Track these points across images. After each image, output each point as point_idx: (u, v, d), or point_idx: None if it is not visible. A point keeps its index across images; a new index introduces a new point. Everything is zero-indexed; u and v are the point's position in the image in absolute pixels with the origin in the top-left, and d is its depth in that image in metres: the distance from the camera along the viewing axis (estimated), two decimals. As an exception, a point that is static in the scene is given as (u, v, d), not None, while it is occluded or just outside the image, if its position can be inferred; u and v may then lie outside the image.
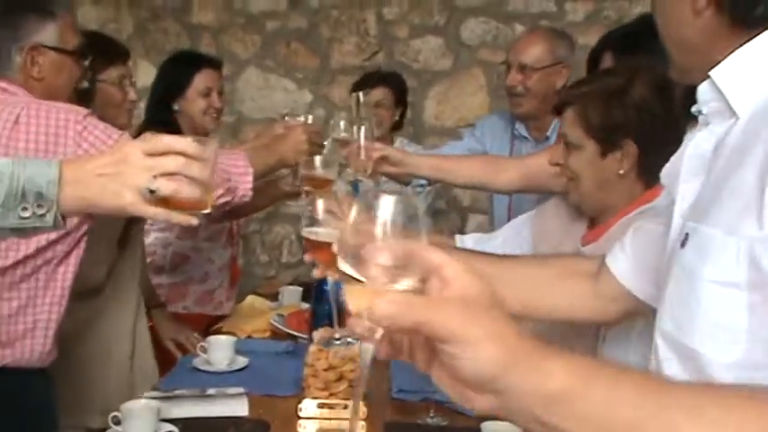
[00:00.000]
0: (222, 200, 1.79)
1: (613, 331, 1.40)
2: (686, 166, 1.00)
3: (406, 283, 0.62)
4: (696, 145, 0.98)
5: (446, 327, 0.58)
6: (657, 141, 1.48)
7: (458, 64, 4.12)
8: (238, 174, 1.84)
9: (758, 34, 0.88)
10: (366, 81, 3.42)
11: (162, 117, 2.58)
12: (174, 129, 2.58)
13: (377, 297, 0.59)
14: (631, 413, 0.57)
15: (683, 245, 0.91)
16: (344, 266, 0.64)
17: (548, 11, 4.04)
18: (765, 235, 0.81)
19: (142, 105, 3.86)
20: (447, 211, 4.18)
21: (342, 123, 3.05)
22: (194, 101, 2.62)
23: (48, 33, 1.78)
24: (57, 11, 1.80)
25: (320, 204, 1.37)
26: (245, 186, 1.86)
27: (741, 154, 0.86)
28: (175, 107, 2.62)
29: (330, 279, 1.56)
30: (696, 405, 0.58)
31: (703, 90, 0.94)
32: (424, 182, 3.31)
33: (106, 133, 1.69)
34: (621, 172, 1.56)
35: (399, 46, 4.12)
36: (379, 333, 0.63)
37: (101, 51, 2.12)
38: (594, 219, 1.71)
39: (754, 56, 0.89)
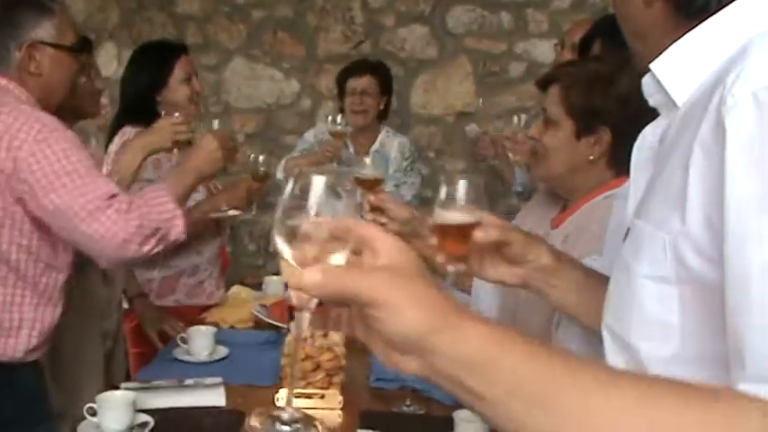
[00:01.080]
0: (155, 249, 1.79)
1: (566, 319, 1.40)
2: (635, 159, 1.01)
3: (340, 257, 0.66)
4: (643, 137, 0.99)
5: (371, 293, 0.61)
6: (634, 134, 1.50)
7: (444, 52, 4.12)
8: (168, 219, 1.79)
9: (697, 25, 0.89)
10: (352, 69, 3.44)
11: (145, 109, 2.58)
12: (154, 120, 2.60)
13: (306, 268, 0.63)
14: (542, 385, 0.60)
15: (624, 239, 0.93)
16: (280, 244, 0.69)
17: (534, -2, 4.04)
18: (687, 230, 0.81)
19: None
20: (433, 200, 4.20)
21: (338, 117, 3.15)
22: (177, 89, 2.62)
23: (45, 30, 1.80)
24: (53, 7, 1.84)
25: (462, 186, 1.25)
26: (176, 231, 1.82)
27: (672, 147, 0.87)
28: (158, 98, 2.62)
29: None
30: (611, 383, 0.60)
31: (646, 82, 0.95)
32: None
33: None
34: (592, 157, 1.57)
35: (385, 34, 4.13)
36: (313, 303, 0.68)
37: None
38: (566, 203, 1.73)
39: (691, 47, 0.89)
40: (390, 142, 3.47)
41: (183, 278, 2.68)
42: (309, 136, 3.52)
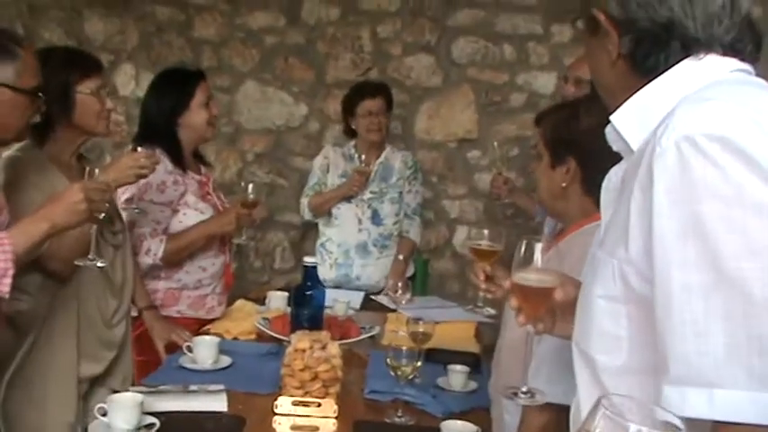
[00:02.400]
0: None
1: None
2: (602, 198, 1.15)
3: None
4: (609, 178, 1.14)
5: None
6: (599, 164, 1.65)
7: (448, 81, 4.26)
8: None
9: (649, 82, 1.03)
10: (365, 92, 3.60)
11: (165, 131, 2.74)
12: (177, 141, 2.76)
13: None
14: None
15: (586, 266, 1.07)
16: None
17: (535, 32, 4.17)
18: (630, 257, 0.96)
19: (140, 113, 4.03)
20: (435, 222, 4.32)
21: (362, 156, 3.38)
22: (197, 113, 2.77)
23: (6, 72, 1.83)
24: (17, 51, 1.85)
25: (538, 248, 1.30)
26: (1, 289, 1.71)
27: (625, 187, 1.01)
28: (179, 121, 2.77)
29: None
30: None
31: (608, 131, 1.10)
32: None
33: None
34: (564, 185, 1.74)
35: (393, 63, 4.26)
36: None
37: (77, 65, 2.24)
38: (561, 229, 1.87)
39: (642, 101, 1.04)
40: (394, 156, 3.66)
41: (187, 291, 2.78)
42: (317, 166, 3.69)
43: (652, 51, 1.03)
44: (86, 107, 2.22)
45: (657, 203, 0.90)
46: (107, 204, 1.97)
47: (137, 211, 2.65)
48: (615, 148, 1.10)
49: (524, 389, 1.34)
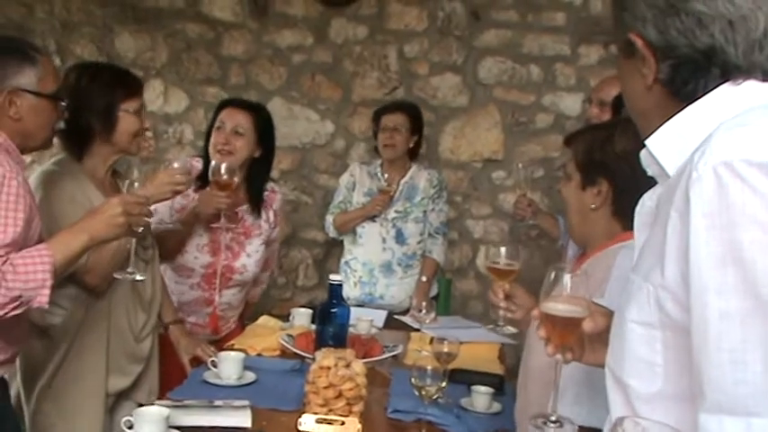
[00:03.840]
0: (10, 314, 1.74)
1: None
2: (636, 222, 1.14)
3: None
4: (642, 203, 1.13)
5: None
6: (632, 187, 1.64)
7: (474, 101, 4.27)
8: (34, 288, 1.74)
9: (685, 107, 1.02)
10: (387, 107, 3.64)
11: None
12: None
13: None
14: None
15: (623, 290, 1.06)
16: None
17: (562, 54, 4.18)
18: (665, 283, 0.95)
19: (171, 131, 4.07)
20: (459, 242, 4.31)
21: (385, 175, 3.39)
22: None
23: (27, 77, 1.86)
24: (37, 56, 1.89)
25: (567, 280, 1.27)
26: (40, 300, 1.76)
27: (661, 212, 1.01)
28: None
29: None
30: None
31: (643, 155, 1.09)
32: None
33: None
34: (593, 206, 1.73)
35: (419, 82, 4.28)
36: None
37: (122, 85, 2.29)
38: (584, 250, 1.86)
39: (679, 126, 1.03)
40: (420, 175, 3.65)
41: (198, 306, 2.82)
42: (343, 184, 3.70)
43: (691, 78, 1.02)
44: (126, 126, 2.26)
45: (694, 229, 0.89)
46: (145, 218, 1.99)
47: (170, 225, 2.68)
48: (650, 173, 1.09)
49: (553, 418, 1.31)
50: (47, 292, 1.75)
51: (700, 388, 0.89)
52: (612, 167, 1.69)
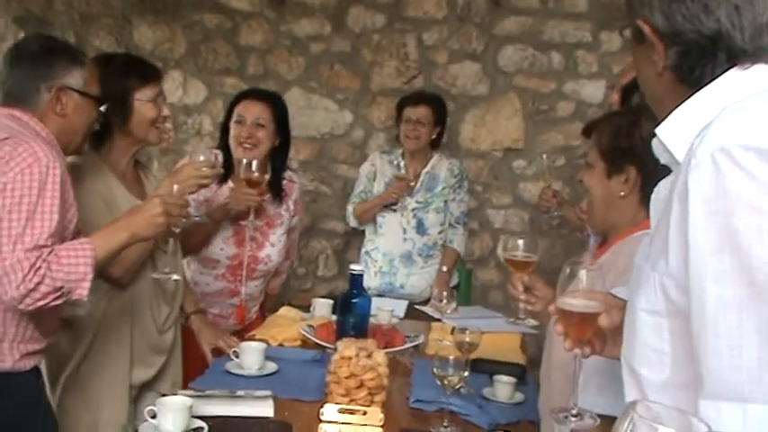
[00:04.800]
0: (53, 303, 1.79)
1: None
2: (651, 210, 1.12)
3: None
4: (657, 191, 1.12)
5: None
6: (660, 173, 1.62)
7: (494, 89, 4.23)
8: (75, 281, 1.79)
9: (693, 94, 1.01)
10: (410, 98, 3.61)
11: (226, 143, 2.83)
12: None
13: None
14: None
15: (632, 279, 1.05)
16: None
17: (584, 40, 4.13)
18: (670, 270, 0.95)
19: (190, 122, 4.09)
20: (479, 232, 4.28)
21: (402, 163, 3.36)
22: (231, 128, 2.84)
23: (75, 77, 1.96)
24: (84, 59, 2.01)
25: (583, 275, 1.26)
26: (79, 292, 1.81)
27: (669, 200, 0.99)
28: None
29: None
30: None
31: (654, 144, 1.08)
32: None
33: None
34: (622, 194, 1.70)
35: (438, 71, 4.25)
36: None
37: (136, 72, 2.27)
38: (605, 238, 1.83)
39: (686, 113, 1.02)
40: (441, 164, 3.62)
41: (222, 297, 2.82)
42: (364, 173, 3.69)
43: (698, 63, 1.01)
44: (142, 114, 2.25)
45: (693, 216, 0.90)
46: (183, 220, 2.04)
47: (197, 218, 2.69)
48: (663, 161, 1.08)
49: (574, 411, 1.30)
50: (87, 285, 1.81)
51: (699, 375, 0.90)
52: (640, 154, 1.65)
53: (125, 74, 2.24)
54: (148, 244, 2.16)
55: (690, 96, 1.01)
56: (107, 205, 2.21)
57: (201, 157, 2.39)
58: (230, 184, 2.78)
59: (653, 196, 1.12)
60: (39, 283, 1.74)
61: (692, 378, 0.93)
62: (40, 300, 1.76)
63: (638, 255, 1.58)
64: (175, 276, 2.14)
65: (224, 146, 2.81)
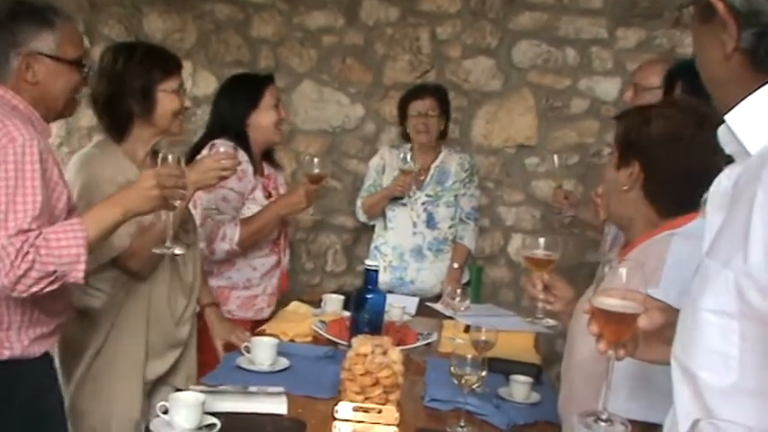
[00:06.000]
0: (47, 289, 1.73)
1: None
2: (710, 203, 1.06)
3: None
4: (718, 182, 1.04)
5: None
6: (661, 172, 1.65)
7: (508, 85, 4.17)
8: (68, 263, 1.72)
9: None
10: (415, 93, 3.58)
11: (237, 132, 2.80)
12: (244, 141, 2.77)
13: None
14: None
15: (694, 275, 0.98)
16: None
17: (599, 37, 4.07)
18: (748, 269, 0.87)
19: (199, 113, 4.05)
20: (490, 229, 4.24)
21: (408, 156, 3.34)
22: (266, 114, 2.84)
23: (45, 42, 1.84)
24: (56, 21, 1.87)
25: (623, 272, 1.19)
26: (75, 275, 1.74)
27: (741, 191, 0.93)
28: (247, 121, 2.83)
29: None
30: None
31: (721, 133, 1.01)
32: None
33: None
34: (625, 188, 1.68)
35: (451, 65, 4.20)
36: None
37: (161, 64, 2.25)
38: (627, 239, 1.80)
39: (764, 100, 0.95)
40: (451, 159, 3.60)
41: (237, 291, 2.78)
42: (373, 167, 3.68)
43: None
44: (166, 106, 2.23)
45: None
46: (182, 191, 1.94)
47: (215, 210, 2.66)
48: (728, 151, 1.01)
49: (604, 416, 1.25)
50: (82, 267, 1.74)
51: None
52: (646, 150, 1.65)
53: (148, 66, 2.22)
54: (165, 234, 2.11)
55: (765, 83, 0.94)
56: None
57: (222, 149, 2.36)
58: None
59: (712, 188, 1.05)
60: (29, 269, 1.68)
61: (762, 385, 0.87)
62: (32, 286, 1.70)
63: (678, 253, 1.54)
64: (177, 250, 2.05)
65: (242, 135, 2.82)
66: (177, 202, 1.94)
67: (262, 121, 2.82)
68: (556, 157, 3.26)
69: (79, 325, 2.15)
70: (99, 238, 1.81)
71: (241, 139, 2.78)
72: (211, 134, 2.80)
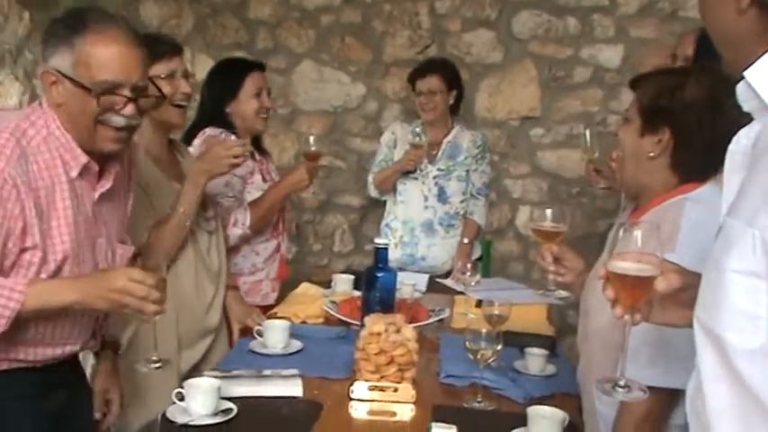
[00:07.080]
0: None
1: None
2: (728, 162, 1.03)
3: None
4: (737, 141, 1.01)
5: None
6: (695, 140, 1.59)
7: (509, 57, 4.13)
8: None
9: None
10: (419, 71, 3.55)
11: (218, 118, 2.74)
12: (231, 128, 2.73)
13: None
14: None
15: (717, 236, 0.96)
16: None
17: (600, 4, 4.01)
18: None
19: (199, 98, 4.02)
20: (497, 203, 4.22)
21: (418, 129, 3.31)
22: (247, 102, 2.77)
23: (61, 59, 1.62)
24: (75, 39, 1.62)
25: (638, 235, 1.16)
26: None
27: (764, 149, 0.90)
28: (228, 109, 2.77)
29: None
30: None
31: (741, 89, 0.97)
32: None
33: None
34: (652, 154, 1.63)
35: (451, 39, 4.16)
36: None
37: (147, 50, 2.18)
38: (637, 204, 1.77)
39: None
40: (463, 135, 3.59)
41: (243, 277, 2.77)
42: (384, 142, 3.67)
43: None
44: (154, 92, 2.16)
45: None
46: (153, 306, 1.66)
47: (232, 197, 2.65)
48: (746, 108, 0.98)
49: (622, 382, 1.23)
50: (3, 323, 1.56)
51: None
52: (678, 116, 1.59)
53: None
54: (182, 226, 2.12)
55: None
56: (146, 193, 2.16)
57: (233, 137, 2.34)
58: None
59: (731, 147, 1.02)
60: None
61: None
62: None
63: (693, 218, 1.51)
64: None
65: (228, 122, 2.77)
66: (146, 317, 1.68)
67: (242, 109, 2.77)
68: (588, 132, 3.18)
69: (110, 319, 2.13)
70: (35, 312, 1.61)
71: (228, 127, 2.73)
72: (198, 123, 2.76)
